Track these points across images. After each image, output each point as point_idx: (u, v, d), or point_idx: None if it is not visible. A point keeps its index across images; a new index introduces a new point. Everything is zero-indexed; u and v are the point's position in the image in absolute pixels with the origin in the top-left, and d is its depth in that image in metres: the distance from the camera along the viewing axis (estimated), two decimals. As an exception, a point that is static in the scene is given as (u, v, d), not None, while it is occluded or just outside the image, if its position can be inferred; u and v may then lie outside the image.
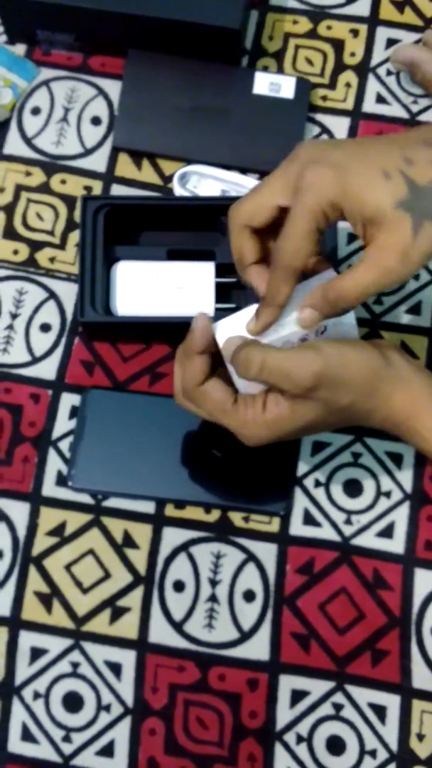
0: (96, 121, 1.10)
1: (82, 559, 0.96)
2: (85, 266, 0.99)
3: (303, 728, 0.93)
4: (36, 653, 0.94)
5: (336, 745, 0.92)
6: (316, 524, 0.97)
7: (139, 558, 0.96)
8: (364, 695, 0.93)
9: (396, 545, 0.97)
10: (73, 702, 0.93)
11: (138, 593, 0.96)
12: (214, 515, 0.97)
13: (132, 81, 1.09)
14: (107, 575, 0.96)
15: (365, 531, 0.97)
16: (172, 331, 1.00)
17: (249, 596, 0.95)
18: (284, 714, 0.93)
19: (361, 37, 1.13)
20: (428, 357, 1.02)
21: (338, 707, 0.93)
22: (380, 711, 0.93)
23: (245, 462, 0.95)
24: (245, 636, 0.95)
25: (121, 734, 0.92)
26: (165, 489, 0.97)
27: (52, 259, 1.05)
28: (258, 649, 0.94)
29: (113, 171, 1.08)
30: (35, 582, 0.96)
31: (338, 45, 1.12)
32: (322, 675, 0.94)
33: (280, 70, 1.11)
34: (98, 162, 1.08)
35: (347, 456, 0.99)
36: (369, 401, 0.84)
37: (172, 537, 0.97)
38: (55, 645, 0.94)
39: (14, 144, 1.09)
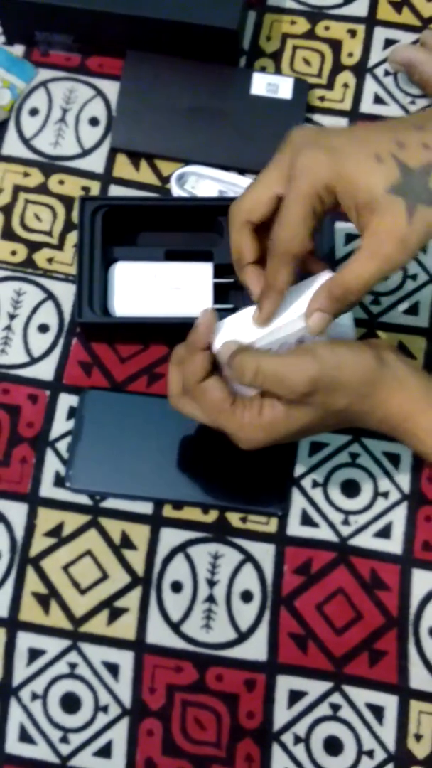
0: (94, 121, 1.10)
1: (80, 560, 0.96)
2: (83, 267, 0.99)
3: (300, 729, 0.93)
4: (34, 654, 0.94)
5: (333, 746, 0.92)
6: (314, 525, 0.97)
7: (136, 559, 0.96)
8: (361, 696, 0.93)
9: (393, 546, 0.97)
10: (70, 703, 0.93)
11: (136, 594, 0.96)
12: (212, 516, 0.97)
13: (130, 82, 1.09)
14: (105, 576, 0.96)
15: (363, 531, 0.97)
16: (170, 331, 1.01)
17: (246, 597, 0.96)
18: (282, 714, 0.93)
19: (359, 38, 1.13)
20: (426, 357, 1.02)
21: (336, 708, 0.93)
22: (378, 711, 0.93)
23: (243, 462, 0.95)
24: (243, 636, 0.95)
25: (118, 735, 0.93)
26: (163, 490, 0.97)
27: (50, 260, 1.05)
28: (255, 649, 0.94)
29: (111, 172, 1.08)
30: (33, 583, 0.96)
31: (336, 45, 1.12)
32: (319, 675, 0.94)
33: (278, 70, 1.11)
34: (96, 163, 1.08)
35: (345, 456, 0.99)
36: (366, 403, 0.83)
37: (170, 538, 0.97)
38: (52, 646, 0.94)
39: (12, 144, 1.09)
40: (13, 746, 0.92)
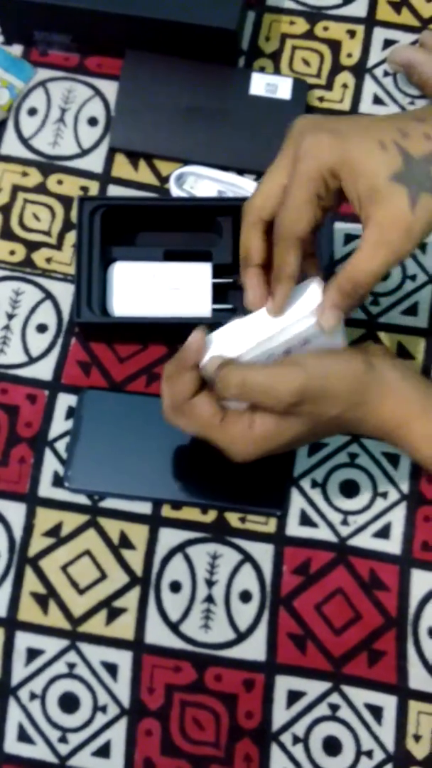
0: (93, 121, 1.10)
1: (79, 560, 0.96)
2: (82, 267, 0.99)
3: (299, 729, 0.93)
4: (32, 654, 0.94)
5: (332, 746, 0.92)
6: (313, 525, 0.97)
7: (135, 559, 0.96)
8: (360, 696, 0.93)
9: (392, 546, 0.97)
10: (69, 703, 0.93)
11: (134, 594, 0.96)
12: (211, 516, 0.97)
13: (129, 82, 1.09)
14: (103, 576, 0.96)
15: (362, 532, 0.97)
16: (168, 331, 1.01)
17: (245, 597, 0.96)
18: (280, 714, 0.93)
19: (358, 38, 1.13)
20: (425, 358, 1.02)
21: (334, 708, 0.93)
22: (377, 712, 0.93)
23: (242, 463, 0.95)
24: (241, 636, 0.95)
25: (117, 735, 0.92)
26: (161, 490, 0.97)
27: (48, 260, 1.05)
28: (254, 649, 0.94)
29: (110, 171, 1.08)
30: (31, 583, 0.96)
31: (335, 46, 1.12)
32: (318, 675, 0.94)
33: (277, 70, 1.11)
34: (95, 162, 1.08)
35: (344, 457, 0.99)
36: (357, 411, 0.83)
37: (169, 538, 0.97)
38: (51, 646, 0.94)
39: (11, 144, 1.09)
40: (12, 746, 0.92)
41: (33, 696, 0.93)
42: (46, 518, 0.97)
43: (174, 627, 0.95)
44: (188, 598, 0.96)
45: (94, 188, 1.07)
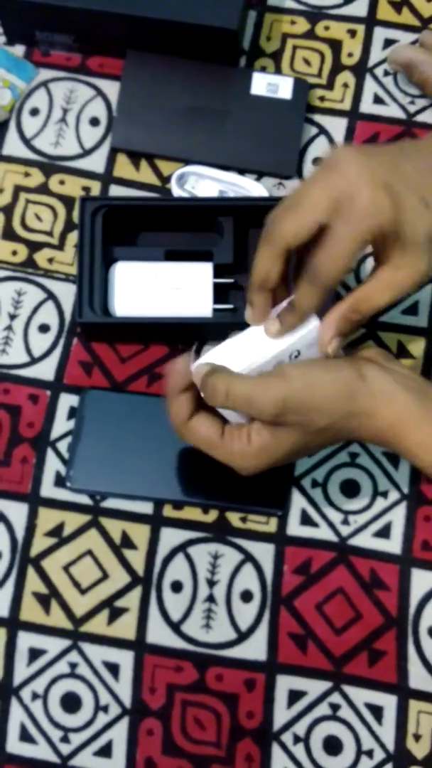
0: (94, 121, 1.10)
1: (81, 560, 0.97)
2: (84, 267, 0.99)
3: (300, 728, 0.93)
4: (34, 654, 0.94)
5: (333, 746, 0.93)
6: (314, 524, 0.97)
7: (137, 558, 0.97)
8: (361, 695, 0.94)
9: (393, 545, 0.97)
10: (71, 702, 0.94)
11: (136, 594, 0.96)
12: (212, 516, 0.98)
13: (130, 82, 1.09)
14: (105, 576, 0.96)
15: (362, 531, 0.97)
16: (170, 331, 1.01)
17: (246, 596, 0.96)
18: (281, 714, 0.93)
19: (359, 38, 1.13)
20: (425, 358, 1.02)
21: (335, 707, 0.93)
22: (377, 711, 0.93)
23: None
24: (243, 636, 0.95)
25: (118, 735, 0.93)
26: (163, 490, 0.98)
27: (50, 260, 1.05)
28: (255, 649, 0.95)
29: (111, 172, 1.08)
30: (33, 582, 0.96)
31: (336, 45, 1.12)
32: (319, 675, 0.94)
33: (278, 70, 1.11)
34: (97, 163, 1.08)
35: (344, 456, 0.99)
36: (350, 421, 0.83)
37: (170, 537, 0.97)
38: (53, 645, 0.95)
39: (13, 145, 1.09)
40: (14, 746, 0.93)
41: (35, 696, 0.94)
42: (48, 518, 0.98)
43: (175, 627, 0.95)
44: (189, 597, 0.96)
45: (95, 188, 1.08)
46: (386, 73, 1.11)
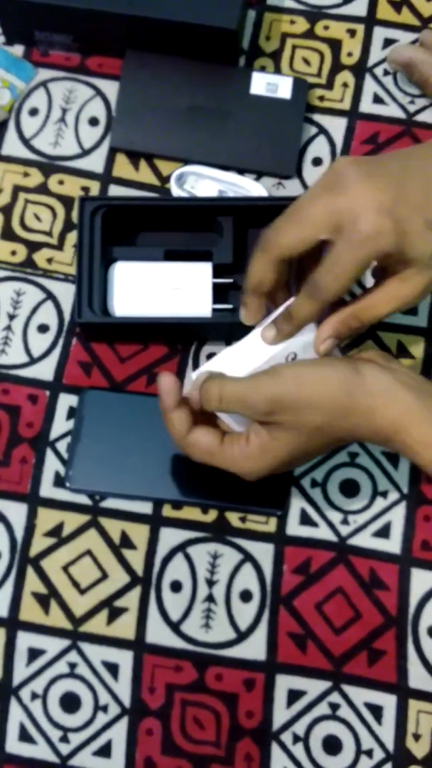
0: (93, 121, 1.10)
1: (80, 560, 0.97)
2: (83, 267, 0.99)
3: (299, 728, 0.93)
4: (33, 654, 0.95)
5: (332, 745, 0.93)
6: (313, 524, 0.97)
7: (136, 558, 0.97)
8: (360, 695, 0.94)
9: (392, 545, 0.97)
10: (70, 702, 0.94)
11: (135, 594, 0.96)
12: (211, 515, 0.98)
13: (129, 81, 1.09)
14: (104, 576, 0.96)
15: (362, 531, 0.97)
16: (169, 331, 1.01)
17: (246, 596, 0.96)
18: (281, 714, 0.93)
19: (358, 37, 1.13)
20: (425, 358, 1.02)
21: (335, 707, 0.93)
22: (376, 711, 0.93)
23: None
24: (242, 636, 0.95)
25: (118, 734, 0.93)
26: (162, 489, 0.98)
27: (49, 260, 1.05)
28: (255, 649, 0.95)
29: (111, 171, 1.08)
30: (33, 583, 0.96)
31: (335, 45, 1.12)
32: (318, 675, 0.94)
33: (278, 70, 1.11)
34: (96, 162, 1.08)
35: (344, 456, 0.99)
36: (346, 419, 0.83)
37: (170, 537, 0.97)
38: (52, 645, 0.95)
39: (12, 145, 1.09)
40: (13, 746, 0.93)
41: (34, 696, 0.94)
42: (47, 518, 0.98)
43: (175, 627, 0.95)
44: (189, 597, 0.96)
45: (95, 188, 1.08)
46: (386, 73, 1.11)
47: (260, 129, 1.08)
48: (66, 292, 1.04)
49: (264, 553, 0.97)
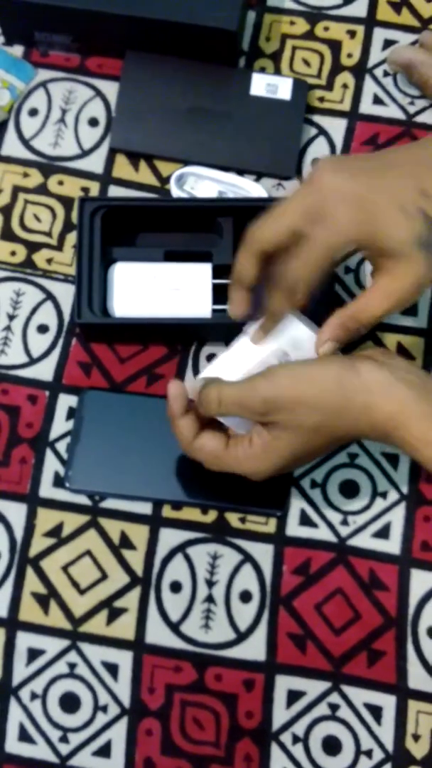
0: (93, 122, 1.10)
1: (79, 560, 0.97)
2: (83, 267, 0.99)
3: (299, 728, 0.93)
4: (33, 654, 0.94)
5: (332, 746, 0.93)
6: (313, 525, 0.97)
7: (136, 559, 0.97)
8: (360, 696, 0.94)
9: (392, 546, 0.97)
10: (70, 702, 0.94)
11: (135, 594, 0.96)
12: (211, 516, 0.98)
13: (129, 82, 1.09)
14: (104, 576, 0.96)
15: (361, 532, 0.97)
16: (169, 332, 1.01)
17: (245, 597, 0.96)
18: (280, 714, 0.93)
19: (358, 38, 1.13)
20: (425, 358, 1.02)
21: (334, 707, 0.93)
22: (376, 711, 0.93)
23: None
24: (242, 636, 0.95)
25: (117, 735, 0.93)
26: (162, 490, 0.98)
27: (49, 261, 1.05)
28: (254, 649, 0.95)
29: (110, 172, 1.08)
30: (32, 583, 0.96)
31: (335, 46, 1.12)
32: (318, 675, 0.94)
33: (277, 71, 1.11)
34: (95, 163, 1.08)
35: (343, 457, 0.99)
36: (344, 416, 0.84)
37: (169, 538, 0.97)
38: (52, 646, 0.95)
39: (12, 145, 1.09)
40: (13, 746, 0.93)
41: (34, 696, 0.94)
42: (46, 518, 0.98)
43: (174, 627, 0.95)
44: (188, 598, 0.96)
45: (94, 189, 1.08)
46: (386, 74, 1.11)
47: (260, 130, 1.08)
48: (66, 293, 1.04)
49: (264, 553, 0.97)
